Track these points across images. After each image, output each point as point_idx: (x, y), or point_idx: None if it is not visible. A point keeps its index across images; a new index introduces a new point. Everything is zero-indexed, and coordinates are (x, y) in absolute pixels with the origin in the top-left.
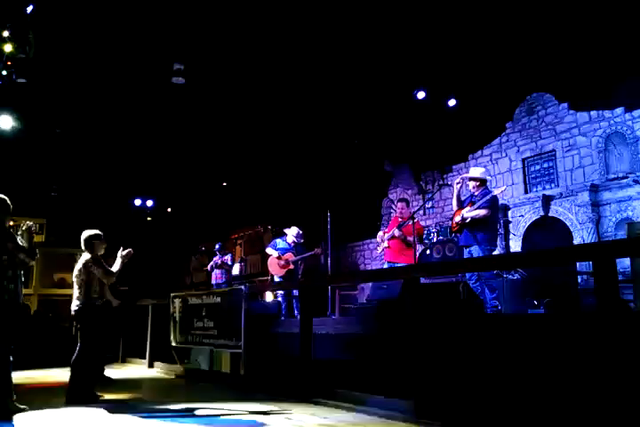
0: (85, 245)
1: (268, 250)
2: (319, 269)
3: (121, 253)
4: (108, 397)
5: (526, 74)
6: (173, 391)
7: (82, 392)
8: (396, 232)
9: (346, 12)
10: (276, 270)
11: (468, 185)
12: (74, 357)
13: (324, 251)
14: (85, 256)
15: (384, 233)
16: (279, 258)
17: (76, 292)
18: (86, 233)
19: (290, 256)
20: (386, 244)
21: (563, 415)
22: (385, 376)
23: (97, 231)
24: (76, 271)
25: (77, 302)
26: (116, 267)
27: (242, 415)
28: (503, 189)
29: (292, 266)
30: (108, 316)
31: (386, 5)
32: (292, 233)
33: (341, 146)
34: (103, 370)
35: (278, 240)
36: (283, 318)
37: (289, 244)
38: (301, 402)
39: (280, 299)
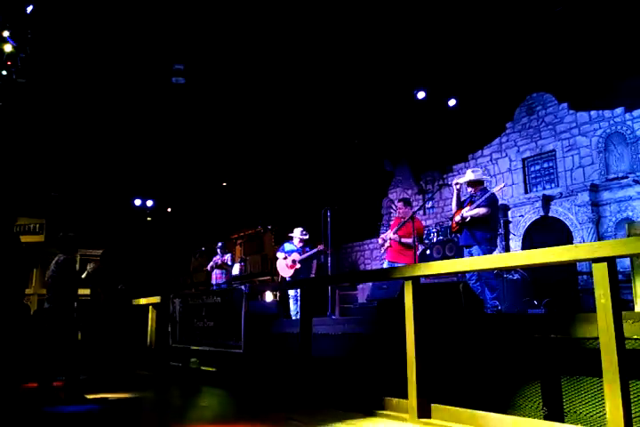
0: (61, 246)
1: (278, 254)
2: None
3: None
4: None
5: (526, 74)
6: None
7: (73, 391)
8: (391, 235)
9: (346, 11)
10: (284, 271)
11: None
12: (62, 357)
13: (326, 247)
14: (60, 257)
15: (387, 233)
16: (285, 258)
17: (47, 291)
18: (65, 235)
19: (296, 256)
20: (388, 243)
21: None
22: (385, 376)
23: (73, 234)
24: (49, 271)
25: (47, 304)
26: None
27: None
28: (502, 186)
29: (298, 265)
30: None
31: (386, 5)
32: (297, 234)
33: (341, 146)
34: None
35: (286, 244)
36: (294, 318)
37: (296, 246)
38: (302, 401)
39: (292, 297)
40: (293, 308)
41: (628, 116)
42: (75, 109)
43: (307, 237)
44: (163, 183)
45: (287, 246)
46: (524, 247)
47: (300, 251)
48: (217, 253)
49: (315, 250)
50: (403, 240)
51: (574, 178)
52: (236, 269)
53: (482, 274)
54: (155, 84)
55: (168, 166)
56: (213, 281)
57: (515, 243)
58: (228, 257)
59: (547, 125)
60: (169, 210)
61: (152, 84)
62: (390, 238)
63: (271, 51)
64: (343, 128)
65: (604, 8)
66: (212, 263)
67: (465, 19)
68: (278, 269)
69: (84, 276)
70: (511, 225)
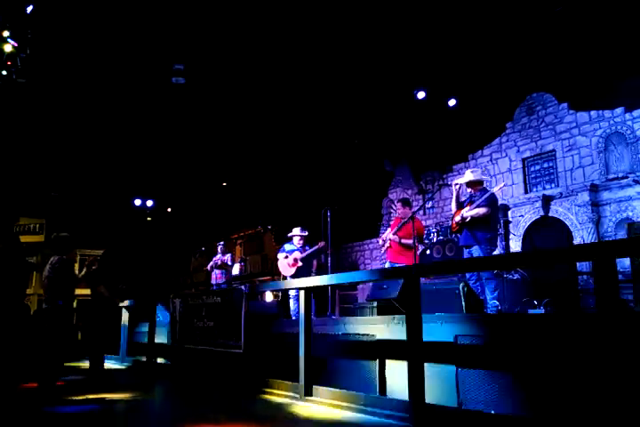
0: (54, 246)
1: (278, 255)
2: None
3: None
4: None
5: (526, 74)
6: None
7: (48, 391)
8: (391, 236)
9: (346, 11)
10: (285, 270)
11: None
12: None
13: (327, 245)
14: (54, 258)
15: (386, 233)
16: (286, 257)
17: (45, 292)
18: (58, 235)
19: (297, 255)
20: (388, 244)
21: (564, 415)
22: (385, 376)
23: (66, 234)
24: (45, 272)
25: (45, 304)
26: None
27: None
28: (501, 185)
29: (300, 263)
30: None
31: (386, 5)
32: (296, 232)
33: (341, 146)
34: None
35: (286, 245)
36: (294, 318)
37: (297, 245)
38: (300, 401)
39: (292, 297)
40: (293, 308)
41: (628, 116)
42: (74, 109)
43: (306, 233)
44: (163, 183)
45: (287, 247)
46: (524, 247)
47: (301, 250)
48: (217, 253)
49: (316, 247)
50: (403, 241)
51: (574, 178)
52: (236, 269)
53: (482, 274)
54: (155, 84)
55: (168, 166)
56: (213, 281)
57: (515, 243)
58: (228, 257)
59: (547, 125)
60: (169, 210)
61: (152, 84)
62: (390, 239)
63: (271, 51)
64: (343, 128)
65: (604, 8)
66: (212, 263)
67: (465, 19)
68: (280, 268)
69: (82, 273)
70: (511, 225)
